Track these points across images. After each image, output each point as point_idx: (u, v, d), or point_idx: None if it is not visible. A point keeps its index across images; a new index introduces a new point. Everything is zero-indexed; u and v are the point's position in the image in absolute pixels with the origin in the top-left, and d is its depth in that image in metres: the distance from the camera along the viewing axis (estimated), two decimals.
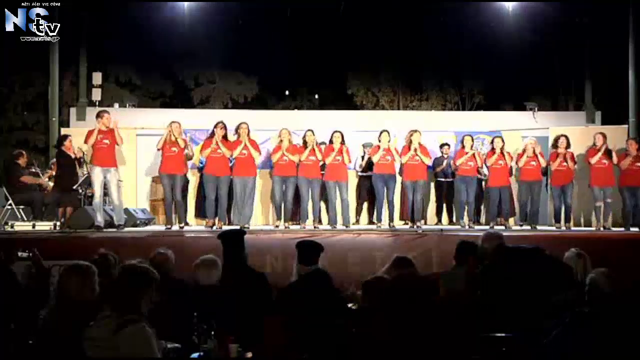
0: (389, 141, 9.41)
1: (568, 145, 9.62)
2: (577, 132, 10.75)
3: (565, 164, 9.52)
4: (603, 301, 3.22)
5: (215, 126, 9.01)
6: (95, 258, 4.86)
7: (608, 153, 9.53)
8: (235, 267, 4.77)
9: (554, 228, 9.75)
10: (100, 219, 8.56)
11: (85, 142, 8.84)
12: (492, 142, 9.81)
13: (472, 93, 21.80)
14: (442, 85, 21.75)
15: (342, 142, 9.33)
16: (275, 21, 16.16)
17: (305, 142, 9.30)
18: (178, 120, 9.12)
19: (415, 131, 9.44)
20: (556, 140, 9.75)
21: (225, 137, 9.02)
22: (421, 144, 9.44)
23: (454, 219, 11.01)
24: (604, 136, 9.62)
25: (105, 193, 8.84)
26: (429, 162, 9.60)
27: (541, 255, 4.76)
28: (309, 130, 9.41)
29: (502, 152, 9.57)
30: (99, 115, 8.86)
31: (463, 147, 9.70)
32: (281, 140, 9.21)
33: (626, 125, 12.14)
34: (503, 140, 9.74)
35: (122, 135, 8.90)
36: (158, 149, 9.02)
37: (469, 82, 21.65)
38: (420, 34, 18.57)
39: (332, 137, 9.39)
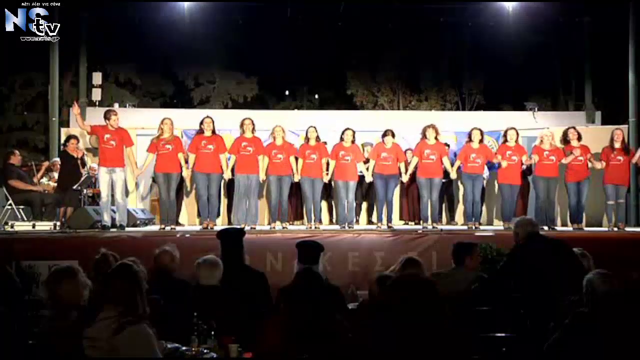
0: (392, 141, 9.23)
1: (579, 138, 9.21)
2: None
3: (581, 158, 9.11)
4: (600, 302, 3.22)
5: (202, 122, 8.88)
6: (96, 258, 4.87)
7: (625, 150, 9.25)
8: (234, 266, 4.78)
9: (570, 229, 9.37)
10: (106, 219, 8.59)
11: (89, 133, 8.90)
12: (505, 135, 9.28)
13: (471, 93, 21.80)
14: (441, 86, 21.76)
15: (353, 141, 9.19)
16: (275, 21, 16.15)
17: (307, 139, 9.14)
18: (170, 117, 8.99)
19: (430, 126, 9.08)
20: (565, 134, 9.33)
21: (213, 131, 8.89)
22: (438, 140, 9.12)
23: (455, 219, 10.99)
24: (622, 133, 9.37)
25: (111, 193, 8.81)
26: (446, 162, 9.18)
27: (567, 251, 4.88)
28: (311, 126, 9.22)
29: (516, 144, 9.10)
30: (107, 117, 8.71)
31: (471, 140, 9.21)
32: (275, 138, 9.03)
33: (626, 125, 12.15)
34: (518, 133, 9.22)
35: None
36: (148, 150, 8.96)
37: (468, 82, 21.65)
38: (419, 34, 18.57)
39: (342, 134, 9.21)
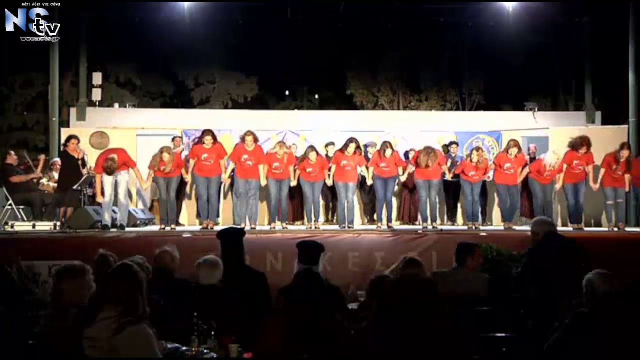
0: (391, 153, 9.24)
1: (588, 149, 9.17)
2: (577, 132, 10.69)
3: (580, 167, 9.14)
4: (600, 302, 3.23)
5: (203, 135, 8.89)
6: (95, 259, 4.88)
7: (627, 166, 9.18)
8: (234, 266, 4.78)
9: (570, 229, 9.32)
10: (107, 219, 8.63)
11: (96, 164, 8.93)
12: (506, 147, 9.37)
13: (471, 93, 21.79)
14: (441, 85, 21.76)
15: (356, 150, 9.17)
16: (275, 21, 16.17)
17: (307, 158, 9.08)
18: (169, 147, 9.03)
19: (431, 153, 9.11)
20: (581, 144, 9.16)
21: (215, 140, 8.91)
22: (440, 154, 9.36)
23: (458, 219, 10.97)
24: (629, 153, 9.35)
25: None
26: (445, 168, 9.43)
27: (578, 251, 4.91)
28: (312, 149, 9.17)
29: (516, 157, 9.21)
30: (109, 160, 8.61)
31: (470, 160, 9.37)
32: (276, 152, 8.98)
33: (626, 125, 12.14)
34: (519, 147, 9.30)
35: (123, 136, 8.96)
36: (149, 167, 8.95)
37: (468, 82, 21.65)
38: (419, 34, 18.57)
39: (347, 145, 9.16)
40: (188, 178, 9.17)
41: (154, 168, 8.84)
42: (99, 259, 4.92)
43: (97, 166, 8.77)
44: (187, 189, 10.62)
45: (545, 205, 9.30)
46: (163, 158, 8.74)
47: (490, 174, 9.60)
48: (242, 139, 8.96)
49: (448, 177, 9.57)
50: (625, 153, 9.22)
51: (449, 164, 10.07)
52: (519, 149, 9.36)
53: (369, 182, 9.45)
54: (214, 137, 8.93)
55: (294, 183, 9.14)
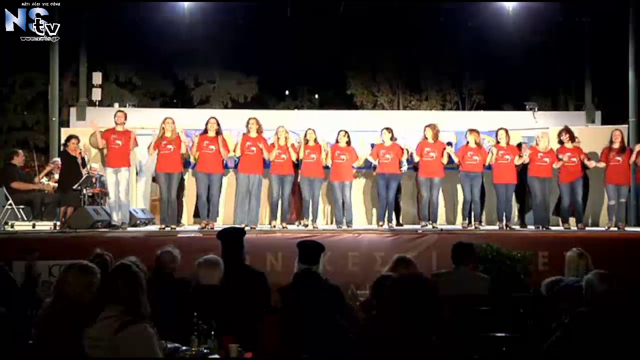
0: (390, 138, 9.26)
1: (572, 139, 9.23)
2: (576, 132, 10.66)
3: (574, 159, 9.11)
4: (599, 301, 3.23)
5: (208, 122, 8.93)
6: (90, 258, 4.87)
7: (623, 150, 9.21)
8: (234, 266, 4.78)
9: (561, 228, 9.28)
10: (116, 218, 8.68)
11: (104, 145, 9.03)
12: (496, 135, 9.34)
13: (471, 93, 21.81)
14: (441, 85, 21.78)
15: (348, 142, 9.24)
16: (275, 21, 16.19)
17: (306, 141, 9.18)
18: (171, 117, 9.08)
19: (429, 125, 9.20)
20: (559, 135, 9.32)
21: (218, 132, 8.89)
22: (438, 140, 9.20)
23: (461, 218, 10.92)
24: (621, 133, 9.39)
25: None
26: (445, 157, 9.12)
27: None
28: (309, 128, 9.29)
29: (508, 145, 9.19)
30: (114, 118, 9.05)
31: (467, 143, 9.29)
32: (278, 139, 9.04)
33: (626, 125, 12.13)
34: (508, 134, 9.27)
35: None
36: (149, 148, 9.00)
37: (468, 82, 21.67)
38: (419, 34, 18.60)
39: (338, 136, 9.30)
40: (193, 151, 9.05)
41: (156, 149, 8.82)
42: (95, 258, 4.91)
43: (104, 134, 8.93)
44: (187, 187, 10.61)
45: (544, 206, 9.20)
46: (165, 126, 8.75)
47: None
48: (246, 124, 9.04)
49: (444, 156, 9.24)
50: (617, 135, 9.22)
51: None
52: (507, 134, 9.28)
53: (374, 162, 9.38)
54: (218, 125, 8.88)
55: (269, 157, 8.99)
